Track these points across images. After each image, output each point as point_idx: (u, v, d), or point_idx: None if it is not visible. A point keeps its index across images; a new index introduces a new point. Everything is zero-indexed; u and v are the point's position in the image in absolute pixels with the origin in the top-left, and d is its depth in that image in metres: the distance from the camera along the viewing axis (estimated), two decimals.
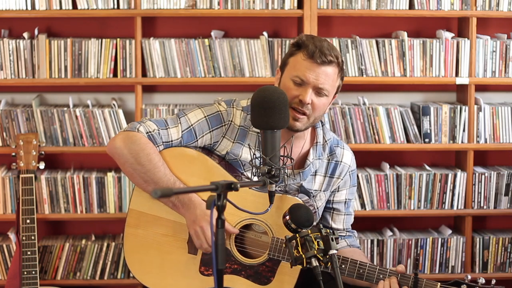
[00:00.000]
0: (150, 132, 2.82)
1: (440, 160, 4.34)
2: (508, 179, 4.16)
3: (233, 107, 2.92)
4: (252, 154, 2.82)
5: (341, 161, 2.98)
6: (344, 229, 3.02)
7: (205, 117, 2.89)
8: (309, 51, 2.79)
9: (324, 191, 2.96)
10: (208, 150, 2.92)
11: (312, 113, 2.81)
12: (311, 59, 2.78)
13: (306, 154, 2.94)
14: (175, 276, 2.85)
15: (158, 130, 2.84)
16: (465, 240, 4.15)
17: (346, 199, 3.02)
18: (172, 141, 2.85)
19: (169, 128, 2.86)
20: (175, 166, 2.83)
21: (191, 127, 2.87)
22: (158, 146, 2.83)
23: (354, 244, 3.02)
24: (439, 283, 2.68)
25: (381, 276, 2.74)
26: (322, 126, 2.97)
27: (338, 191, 3.00)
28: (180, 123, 2.87)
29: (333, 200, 3.00)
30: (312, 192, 2.93)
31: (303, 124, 2.82)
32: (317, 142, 2.94)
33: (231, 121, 2.90)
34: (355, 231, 3.09)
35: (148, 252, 2.87)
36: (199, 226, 2.75)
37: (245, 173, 2.89)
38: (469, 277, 2.68)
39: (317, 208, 2.95)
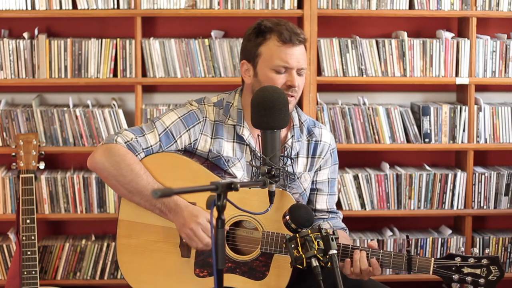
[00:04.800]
0: (128, 141, 2.82)
1: (440, 160, 4.34)
2: (508, 179, 4.16)
3: (204, 104, 2.93)
4: (252, 154, 2.82)
5: (320, 140, 2.98)
6: (328, 209, 3.00)
7: (179, 117, 2.89)
8: (285, 36, 2.80)
9: (308, 171, 2.96)
10: (190, 152, 2.93)
11: (297, 93, 2.84)
12: (289, 43, 2.80)
13: (284, 138, 2.94)
14: (171, 282, 2.84)
15: (136, 138, 2.84)
16: (465, 240, 4.15)
17: (328, 178, 3.00)
18: (151, 146, 2.85)
19: (146, 134, 2.86)
20: (158, 172, 2.83)
21: (167, 129, 2.87)
22: (138, 154, 2.83)
23: (338, 226, 2.98)
24: (433, 258, 2.69)
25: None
26: (296, 109, 2.97)
27: (320, 170, 2.98)
28: (155, 127, 2.87)
29: (316, 181, 2.99)
30: (296, 174, 2.93)
31: (292, 105, 2.85)
32: (293, 125, 2.94)
33: (206, 117, 2.91)
34: (340, 211, 3.04)
35: (142, 260, 2.86)
36: (189, 229, 2.73)
37: (229, 169, 2.89)
38: (462, 249, 2.70)
39: (304, 189, 2.95)
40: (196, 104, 2.93)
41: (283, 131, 2.93)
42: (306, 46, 2.87)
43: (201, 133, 2.90)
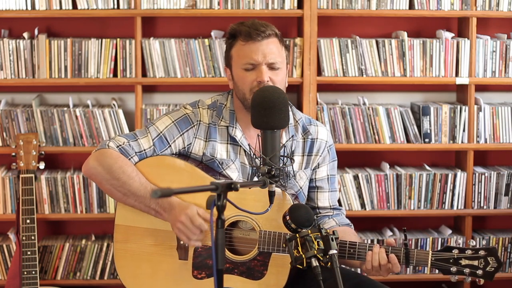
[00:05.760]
0: (120, 145, 2.83)
1: (440, 160, 4.34)
2: (508, 179, 4.16)
3: (198, 108, 2.94)
4: (252, 153, 2.82)
5: (317, 138, 2.98)
6: (330, 206, 3.01)
7: (172, 122, 2.90)
8: (245, 34, 2.82)
9: (304, 169, 2.97)
10: (185, 156, 2.93)
11: None
12: (251, 40, 2.81)
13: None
14: (170, 284, 2.84)
15: (128, 142, 2.84)
16: (465, 240, 4.14)
17: (328, 175, 3.01)
18: (145, 150, 2.86)
19: (139, 139, 2.86)
20: (152, 175, 2.83)
21: (161, 133, 2.88)
22: (131, 157, 2.83)
23: (343, 222, 2.99)
24: (430, 251, 2.69)
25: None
26: (290, 107, 2.96)
27: (318, 168, 2.99)
28: (149, 132, 2.88)
29: (315, 179, 3.00)
30: (291, 172, 2.93)
31: None
32: (288, 124, 2.94)
33: (200, 120, 2.91)
34: (342, 207, 3.06)
35: (139, 264, 2.86)
36: (179, 222, 2.73)
37: (224, 172, 2.90)
38: (460, 240, 2.71)
39: (301, 187, 2.95)
40: (190, 108, 2.94)
41: None
42: (280, 40, 2.86)
43: (195, 137, 2.90)
